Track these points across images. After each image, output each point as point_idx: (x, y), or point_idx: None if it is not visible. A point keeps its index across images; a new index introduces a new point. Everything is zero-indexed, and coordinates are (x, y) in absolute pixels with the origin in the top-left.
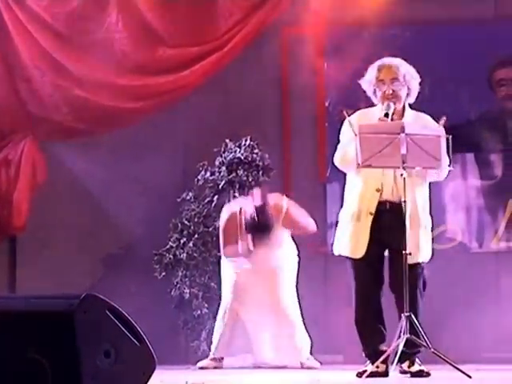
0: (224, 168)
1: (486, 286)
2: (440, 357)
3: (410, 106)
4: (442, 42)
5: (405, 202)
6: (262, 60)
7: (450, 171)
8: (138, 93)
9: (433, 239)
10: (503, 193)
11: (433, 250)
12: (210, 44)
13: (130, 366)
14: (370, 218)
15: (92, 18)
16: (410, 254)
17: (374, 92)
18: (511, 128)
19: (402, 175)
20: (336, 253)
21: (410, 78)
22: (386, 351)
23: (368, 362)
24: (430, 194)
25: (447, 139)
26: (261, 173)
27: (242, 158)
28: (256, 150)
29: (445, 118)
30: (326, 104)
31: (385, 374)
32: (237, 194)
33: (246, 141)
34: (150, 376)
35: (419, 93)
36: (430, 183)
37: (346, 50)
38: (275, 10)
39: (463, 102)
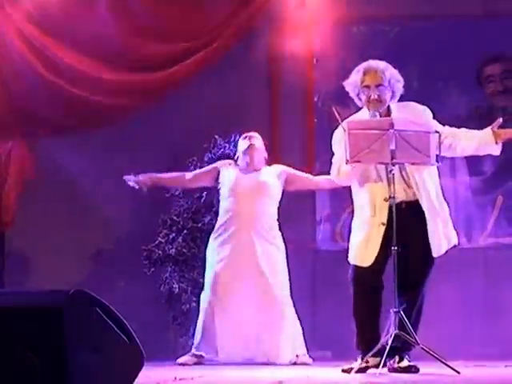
0: None
1: (475, 282)
2: (429, 353)
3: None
4: (431, 39)
5: (393, 198)
6: (252, 55)
7: (438, 167)
8: (127, 89)
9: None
10: (492, 189)
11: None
12: (199, 40)
13: (119, 363)
14: (382, 228)
15: (81, 13)
16: (399, 250)
17: (358, 95)
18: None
19: (391, 171)
20: (350, 261)
21: (394, 81)
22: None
23: (359, 356)
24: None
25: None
26: None
27: (231, 153)
28: None
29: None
30: (315, 99)
31: (374, 368)
32: None
33: (235, 137)
34: (138, 372)
35: (408, 89)
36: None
37: (335, 45)
38: (264, 6)
39: (452, 98)
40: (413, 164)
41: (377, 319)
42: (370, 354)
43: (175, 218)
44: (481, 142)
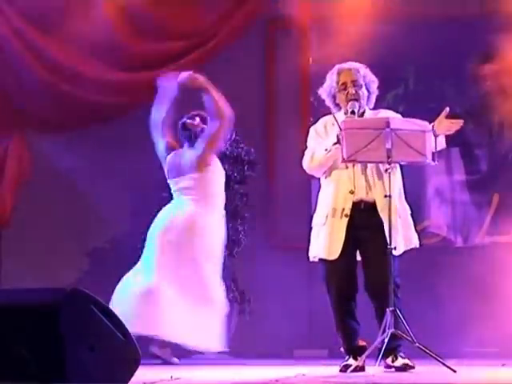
0: None
1: (471, 281)
2: (425, 351)
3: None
4: (427, 37)
5: (390, 196)
6: (247, 54)
7: (434, 166)
8: (123, 87)
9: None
10: (488, 187)
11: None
12: (194, 39)
13: (116, 361)
14: (346, 219)
15: (78, 12)
16: (395, 248)
17: (334, 99)
18: (496, 123)
19: (386, 170)
20: (311, 258)
21: (369, 81)
22: (364, 345)
23: (347, 356)
24: (404, 182)
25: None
26: (246, 167)
27: (227, 152)
28: (241, 145)
29: (447, 108)
30: (311, 99)
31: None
32: None
33: (231, 135)
34: (134, 370)
35: (404, 88)
36: (402, 172)
37: (332, 45)
38: (260, 5)
39: (448, 96)
40: (409, 163)
41: (355, 318)
42: (365, 354)
43: None
44: None
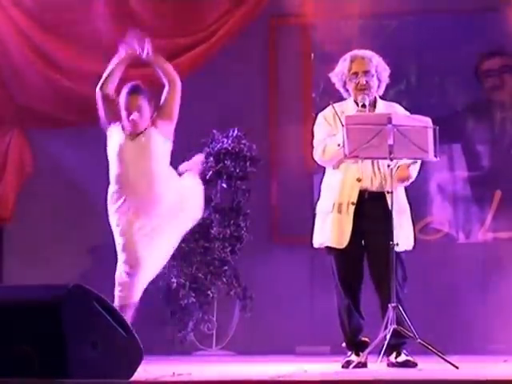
0: (211, 158)
1: (473, 277)
2: (427, 347)
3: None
4: (430, 33)
5: (391, 192)
6: (249, 51)
7: (437, 162)
8: (125, 84)
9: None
10: (490, 184)
11: (417, 239)
12: (197, 35)
13: (117, 357)
14: (352, 208)
15: (79, 8)
16: (398, 244)
17: (344, 85)
18: (498, 119)
19: (389, 166)
20: (316, 245)
21: (381, 69)
22: (366, 341)
23: (349, 352)
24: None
25: (434, 130)
26: (248, 163)
27: (230, 148)
28: (243, 141)
29: None
30: (313, 95)
31: (372, 364)
32: (224, 185)
33: (233, 131)
34: (137, 366)
35: (406, 84)
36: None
37: (334, 40)
38: (262, 1)
39: (450, 92)
40: (411, 159)
41: (359, 312)
42: (367, 350)
43: None
44: None
